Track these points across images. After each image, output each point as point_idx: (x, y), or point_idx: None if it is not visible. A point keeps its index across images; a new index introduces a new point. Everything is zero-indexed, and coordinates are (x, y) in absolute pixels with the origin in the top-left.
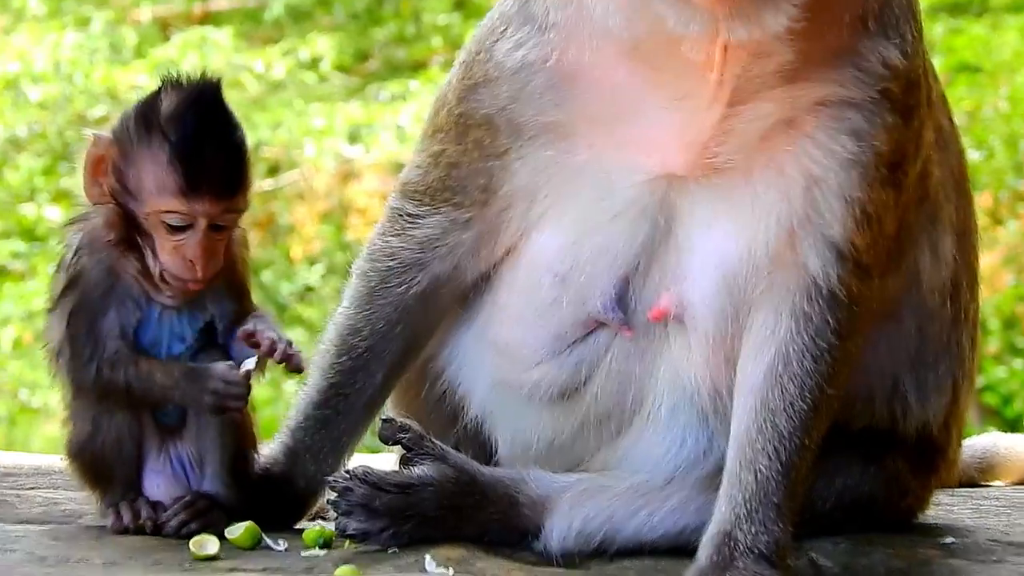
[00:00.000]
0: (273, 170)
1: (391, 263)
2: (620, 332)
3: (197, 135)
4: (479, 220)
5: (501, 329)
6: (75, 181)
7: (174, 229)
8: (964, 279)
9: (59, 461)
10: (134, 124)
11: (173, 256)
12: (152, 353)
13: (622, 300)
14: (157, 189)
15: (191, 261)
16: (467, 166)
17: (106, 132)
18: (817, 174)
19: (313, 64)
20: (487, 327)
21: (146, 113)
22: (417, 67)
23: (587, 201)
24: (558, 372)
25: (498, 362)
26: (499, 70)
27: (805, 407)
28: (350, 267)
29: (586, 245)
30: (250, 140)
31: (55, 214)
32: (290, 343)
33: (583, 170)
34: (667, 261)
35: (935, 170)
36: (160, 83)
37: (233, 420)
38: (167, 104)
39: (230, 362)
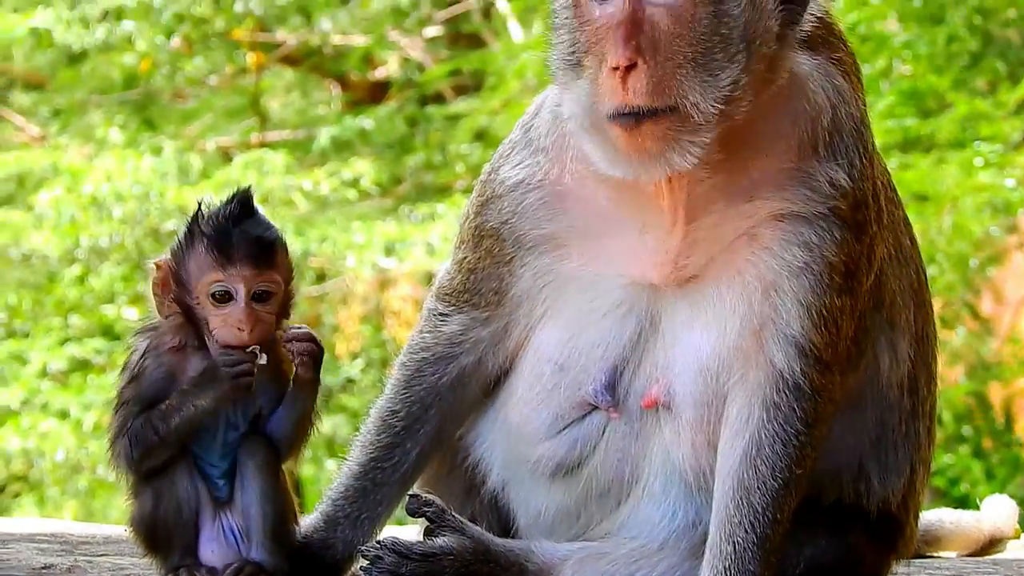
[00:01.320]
0: (320, 278)
1: (425, 355)
2: (609, 414)
3: (227, 221)
4: (495, 319)
5: (512, 411)
6: (148, 288)
7: (219, 301)
8: (922, 377)
9: (125, 531)
10: (182, 235)
11: (223, 326)
12: (205, 441)
13: (611, 386)
14: (200, 270)
15: (238, 328)
16: (482, 271)
17: (165, 255)
18: (774, 281)
19: (354, 183)
20: (501, 409)
21: (190, 224)
22: (443, 190)
23: (581, 301)
24: (557, 448)
25: (510, 440)
26: (503, 188)
27: (776, 486)
28: (387, 361)
29: (581, 339)
30: (299, 251)
31: (132, 315)
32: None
33: (576, 275)
34: (656, 355)
35: (892, 281)
36: (198, 202)
37: (276, 495)
38: (205, 213)
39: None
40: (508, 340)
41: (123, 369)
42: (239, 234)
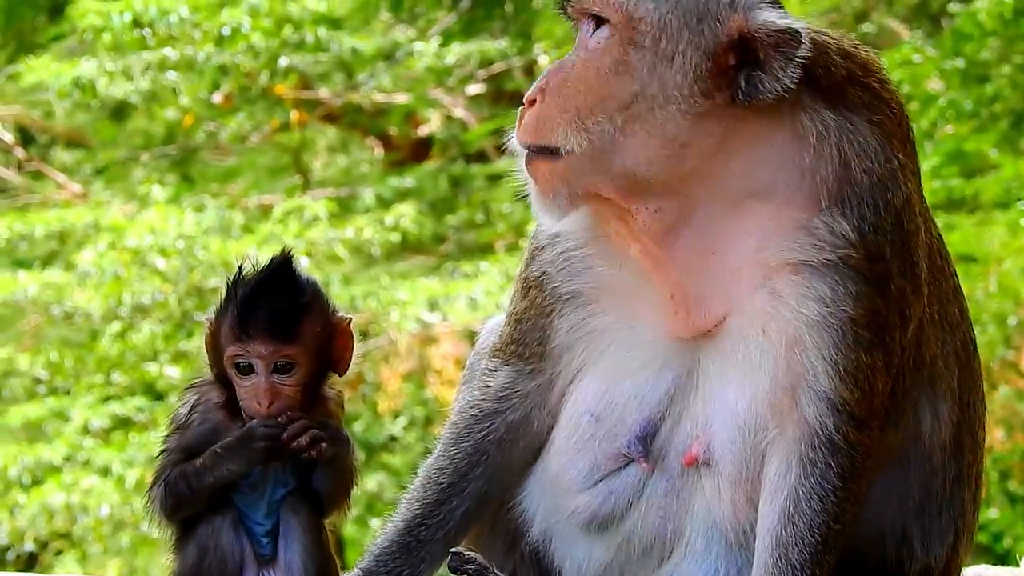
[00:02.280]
0: (363, 335)
1: (473, 412)
2: (640, 465)
3: (256, 291)
4: (539, 372)
5: (551, 462)
6: (192, 344)
7: (241, 373)
8: (967, 443)
9: None
10: (223, 297)
11: (246, 397)
12: (252, 499)
13: (646, 439)
14: (225, 340)
15: (257, 401)
16: (527, 323)
17: (210, 313)
18: (796, 336)
19: (396, 227)
20: (542, 461)
21: (228, 287)
22: (485, 249)
23: (616, 354)
24: (592, 500)
25: (549, 491)
26: (546, 239)
27: (814, 541)
28: (430, 420)
29: (617, 391)
30: (342, 306)
31: (174, 373)
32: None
33: (610, 328)
34: (695, 411)
35: (934, 344)
36: (239, 264)
37: (318, 551)
38: (243, 275)
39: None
40: (551, 394)
41: (171, 420)
42: (261, 305)
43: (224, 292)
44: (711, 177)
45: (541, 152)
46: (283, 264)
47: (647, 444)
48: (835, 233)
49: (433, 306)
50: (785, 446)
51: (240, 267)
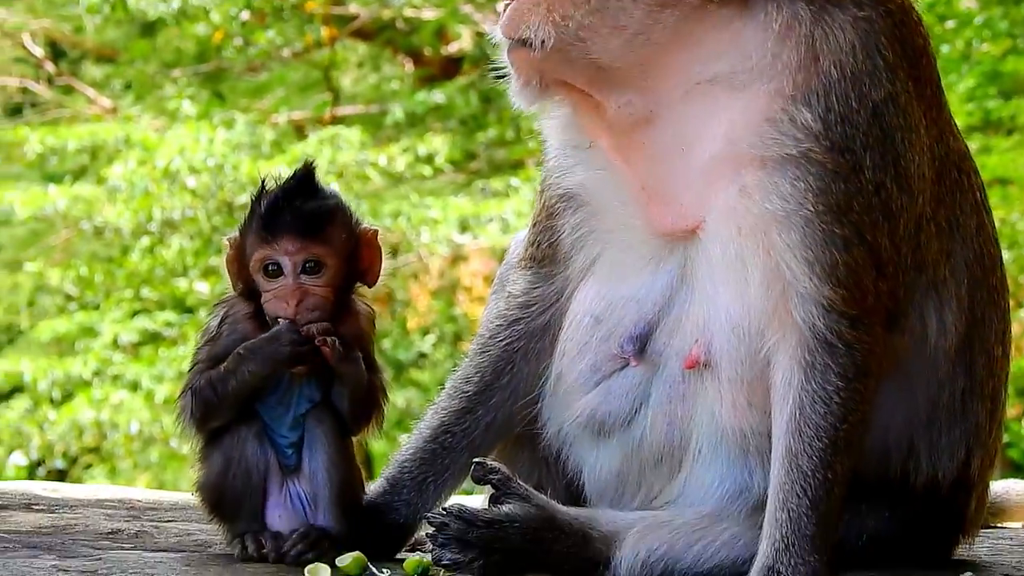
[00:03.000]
0: (393, 253)
1: (499, 321)
2: (631, 363)
3: (280, 196)
4: (554, 277)
5: (559, 364)
6: (221, 260)
7: (269, 276)
8: (980, 359)
9: (191, 497)
10: (247, 213)
11: (273, 300)
12: (279, 410)
13: (640, 339)
14: (252, 246)
15: (285, 301)
16: (541, 225)
17: (235, 231)
18: (765, 235)
19: (429, 159)
20: (553, 366)
21: (252, 201)
22: (516, 166)
23: (613, 256)
24: (592, 400)
25: (558, 395)
26: (550, 147)
27: (822, 446)
28: (459, 336)
29: (616, 292)
30: (373, 225)
31: (203, 288)
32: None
33: (605, 230)
34: (693, 313)
35: (936, 249)
36: (262, 179)
37: (343, 462)
38: (266, 189)
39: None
40: (563, 299)
41: (202, 334)
42: (287, 208)
43: (249, 207)
44: (674, 68)
45: (518, 43)
46: (306, 174)
47: (640, 344)
48: (798, 125)
49: (464, 226)
50: (786, 352)
51: (263, 182)
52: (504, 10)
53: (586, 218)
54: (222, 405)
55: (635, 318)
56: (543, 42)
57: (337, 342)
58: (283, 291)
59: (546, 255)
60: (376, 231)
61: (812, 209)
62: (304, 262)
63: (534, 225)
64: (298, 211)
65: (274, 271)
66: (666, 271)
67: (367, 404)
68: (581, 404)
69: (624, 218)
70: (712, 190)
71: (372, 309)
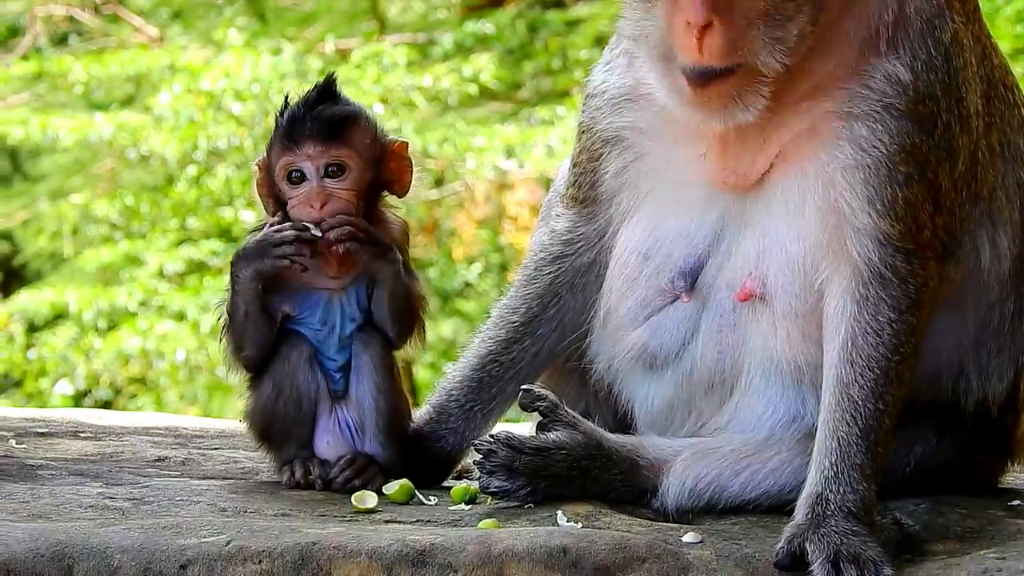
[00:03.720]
0: (438, 181)
1: (542, 255)
2: (682, 299)
3: (301, 105)
4: (596, 217)
5: (606, 300)
6: (253, 189)
7: (293, 184)
8: None
9: (239, 425)
10: (272, 131)
11: (298, 206)
12: (327, 332)
13: (690, 274)
14: (276, 157)
15: (310, 205)
16: (582, 166)
17: (262, 155)
18: (831, 177)
19: (475, 79)
20: (600, 301)
21: (276, 116)
22: (562, 95)
23: (661, 195)
24: (642, 335)
25: (607, 331)
26: (593, 86)
27: (874, 376)
28: (505, 266)
29: (663, 230)
30: (418, 153)
31: (249, 217)
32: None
33: (653, 171)
34: (746, 248)
35: (992, 175)
36: (285, 95)
37: (390, 388)
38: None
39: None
40: (607, 238)
41: None
42: (308, 112)
43: (274, 124)
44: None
45: (729, 71)
46: (326, 84)
47: (691, 279)
48: (890, 79)
49: (510, 153)
50: (839, 284)
51: (286, 97)
52: (701, 38)
53: (633, 160)
54: (240, 326)
55: (684, 253)
56: (767, 64)
57: (357, 243)
58: (307, 195)
59: (588, 196)
60: (405, 143)
61: (883, 152)
62: (327, 166)
63: (575, 166)
64: (318, 116)
65: (298, 177)
66: (716, 207)
67: (407, 311)
68: (631, 339)
69: (676, 162)
70: (782, 141)
71: (404, 222)
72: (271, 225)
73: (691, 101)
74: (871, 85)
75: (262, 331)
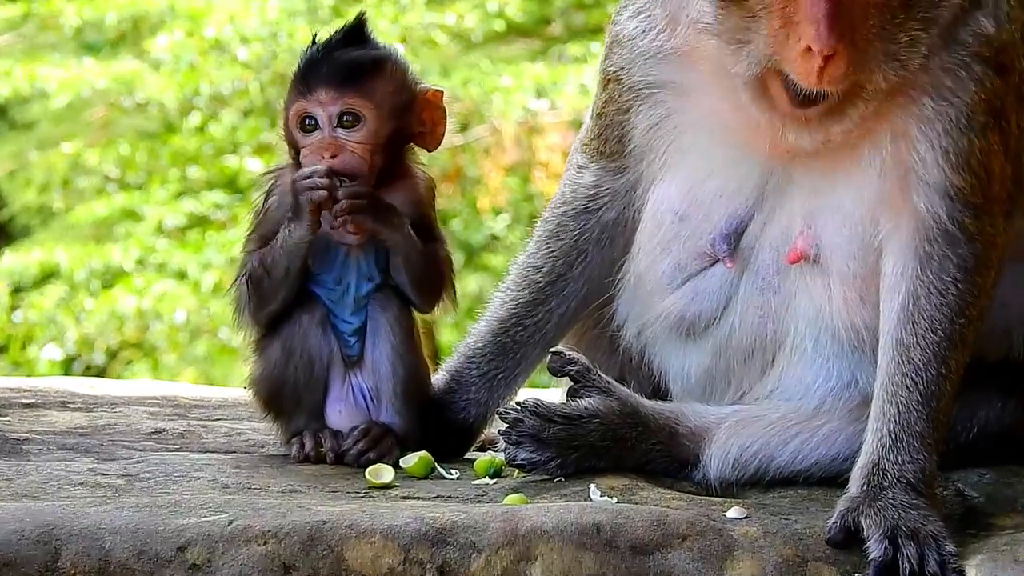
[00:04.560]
0: (463, 126)
1: (565, 209)
2: (725, 264)
3: (323, 47)
4: (624, 171)
5: (638, 264)
6: (274, 135)
7: (305, 131)
8: None
9: (243, 393)
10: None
11: (307, 156)
12: (342, 292)
13: (731, 237)
14: (291, 101)
15: (319, 155)
16: (608, 117)
17: None
18: (904, 129)
19: (500, 14)
20: (631, 263)
21: (300, 56)
22: (595, 31)
23: (699, 152)
24: (678, 301)
25: (638, 295)
26: (621, 34)
27: (937, 339)
28: (535, 217)
29: (702, 189)
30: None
31: (256, 166)
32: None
33: (692, 125)
34: (794, 207)
35: None
36: (313, 36)
37: (408, 352)
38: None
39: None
40: (636, 195)
41: (252, 216)
42: (324, 57)
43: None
44: None
45: (847, 89)
46: (356, 25)
47: (733, 242)
48: (976, 32)
49: (540, 93)
50: (900, 241)
51: (314, 37)
52: (824, 66)
53: (666, 115)
54: (274, 284)
55: (725, 214)
56: (882, 83)
57: (367, 204)
58: (317, 145)
59: (615, 150)
60: (440, 91)
61: (965, 102)
62: (340, 115)
63: (599, 116)
64: (335, 61)
65: (311, 125)
66: (761, 165)
67: (430, 276)
68: (665, 305)
69: (718, 121)
70: (868, 111)
71: (430, 176)
72: (299, 175)
73: (788, 117)
74: (958, 39)
75: (293, 289)
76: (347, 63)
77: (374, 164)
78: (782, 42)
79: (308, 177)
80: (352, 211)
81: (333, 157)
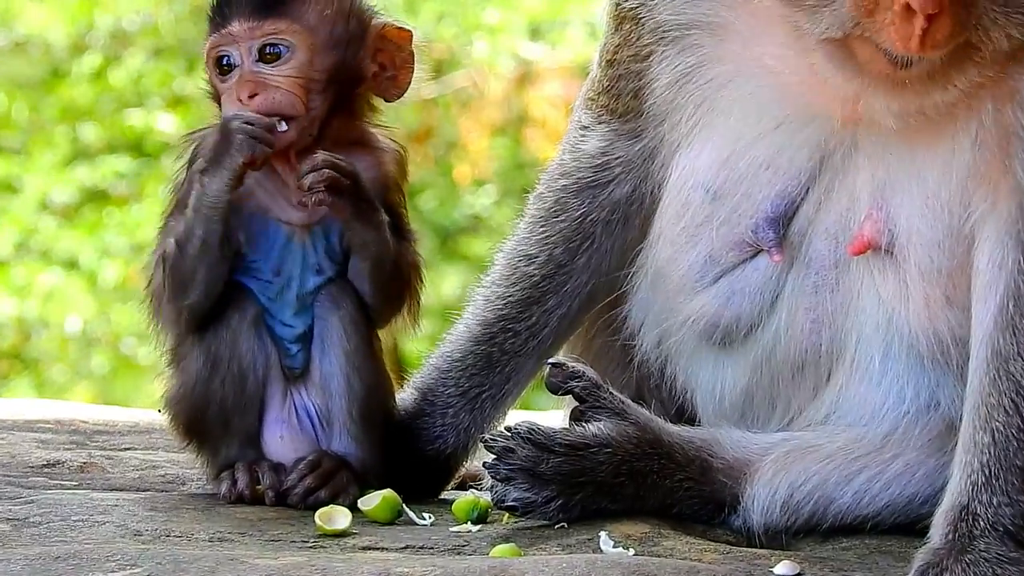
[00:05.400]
0: (435, 72)
1: (566, 183)
2: (770, 258)
3: None
4: (641, 135)
5: (656, 252)
6: (195, 82)
7: (220, 72)
8: None
9: (158, 416)
10: None
11: (227, 100)
12: (281, 286)
13: (779, 221)
14: (206, 39)
15: (238, 98)
16: (620, 66)
17: None
18: (1013, 89)
19: None
20: (649, 253)
21: None
22: None
23: (739, 113)
24: (711, 302)
25: (659, 293)
26: None
27: None
28: (526, 191)
29: (741, 160)
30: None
31: (168, 124)
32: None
33: (731, 79)
34: (858, 183)
35: None
36: None
37: (366, 363)
38: None
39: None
40: (656, 165)
41: (171, 189)
42: None
43: None
44: None
45: (955, 50)
46: None
47: (781, 228)
48: None
49: (535, 33)
50: (998, 226)
51: None
52: (927, 28)
53: (697, 65)
54: (191, 267)
55: (772, 193)
56: (993, 47)
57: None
58: (236, 84)
59: (630, 107)
60: (406, 30)
61: None
62: (262, 48)
63: (610, 64)
64: None
65: (227, 65)
66: (818, 130)
67: (394, 281)
68: (694, 307)
69: (762, 67)
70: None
71: (401, 148)
72: (233, 117)
73: (882, 81)
74: None
75: (217, 270)
76: None
77: (311, 107)
78: (874, 2)
79: (245, 122)
80: (330, 185)
81: (252, 97)
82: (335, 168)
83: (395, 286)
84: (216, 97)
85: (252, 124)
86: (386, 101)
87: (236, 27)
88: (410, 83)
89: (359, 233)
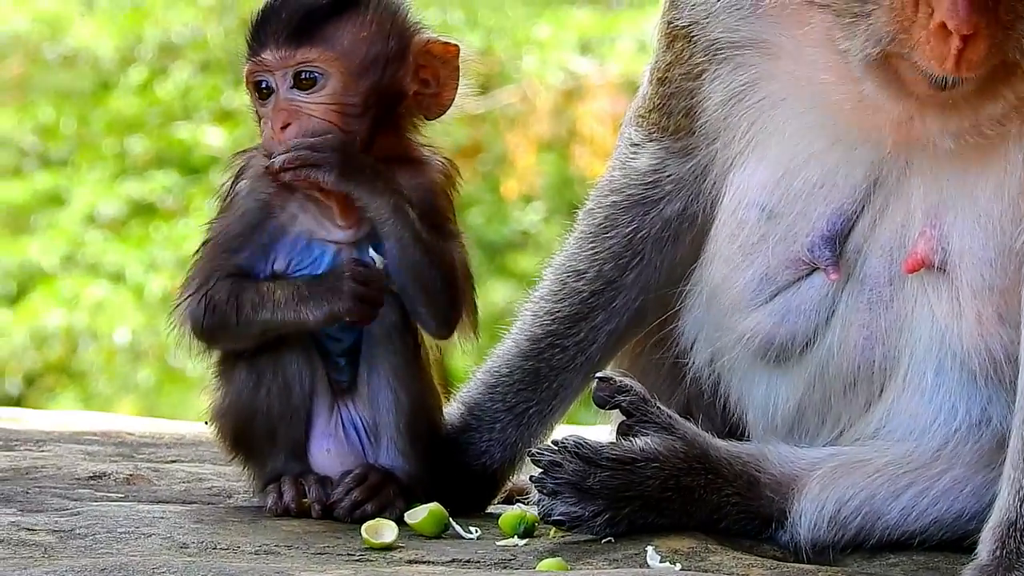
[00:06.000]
0: (484, 88)
1: (616, 199)
2: (827, 275)
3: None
4: (692, 153)
5: (711, 271)
6: (243, 97)
7: (260, 96)
8: None
9: (205, 428)
10: None
11: (264, 127)
12: None
13: (835, 240)
14: (245, 61)
15: (272, 128)
16: (672, 84)
17: None
18: None
19: None
20: (703, 271)
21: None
22: None
23: (794, 132)
24: (766, 321)
25: (712, 312)
26: None
27: None
28: (574, 206)
29: (796, 178)
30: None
31: (216, 138)
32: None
33: (786, 97)
34: (914, 201)
35: None
36: None
37: (414, 377)
38: None
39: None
40: (708, 183)
41: (216, 202)
42: (276, 7)
43: None
44: None
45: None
46: None
47: (838, 246)
48: None
49: (585, 48)
50: None
51: None
52: (962, 48)
53: (751, 83)
54: (239, 334)
55: (828, 212)
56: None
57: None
58: (270, 112)
59: (681, 125)
60: (451, 45)
61: None
62: (296, 74)
63: (661, 82)
64: (287, 7)
65: (266, 91)
66: (873, 149)
67: (439, 283)
68: (749, 324)
69: (817, 86)
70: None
71: (448, 160)
72: (358, 269)
73: (933, 103)
74: None
75: (258, 341)
76: (299, 8)
77: (350, 130)
78: (909, 17)
79: (367, 281)
80: (297, 165)
81: (284, 128)
82: (306, 147)
83: (438, 283)
84: (259, 117)
85: (366, 283)
86: (427, 119)
87: (269, 56)
88: (453, 100)
89: (367, 202)
